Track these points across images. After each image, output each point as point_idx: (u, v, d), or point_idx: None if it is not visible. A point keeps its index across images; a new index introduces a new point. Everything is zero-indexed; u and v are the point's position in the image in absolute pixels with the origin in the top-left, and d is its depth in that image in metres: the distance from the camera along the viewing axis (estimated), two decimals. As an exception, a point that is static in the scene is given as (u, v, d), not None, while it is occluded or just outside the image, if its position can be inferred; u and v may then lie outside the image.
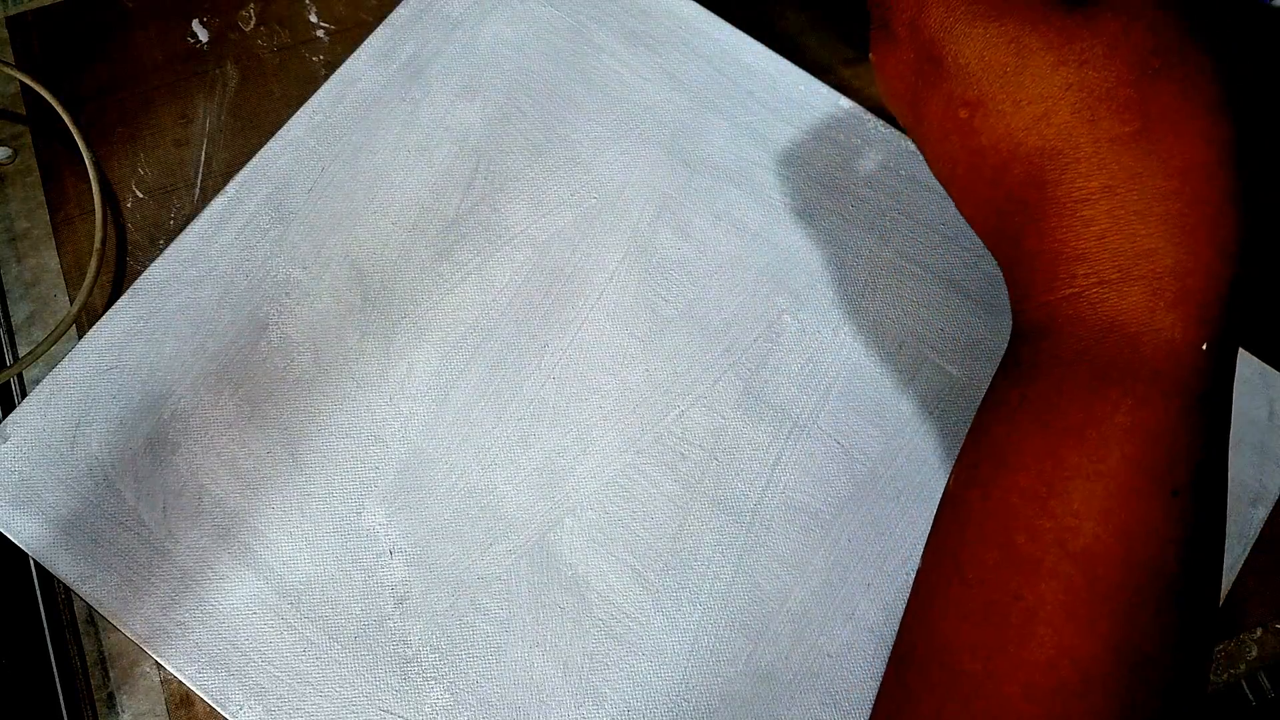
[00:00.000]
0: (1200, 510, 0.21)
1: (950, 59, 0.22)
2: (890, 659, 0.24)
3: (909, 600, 0.24)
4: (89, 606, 0.34)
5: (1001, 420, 0.22)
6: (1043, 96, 0.21)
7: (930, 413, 0.36)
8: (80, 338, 0.37)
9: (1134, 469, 0.20)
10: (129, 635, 0.33)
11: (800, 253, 0.38)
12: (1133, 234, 0.20)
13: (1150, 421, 0.20)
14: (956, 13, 0.22)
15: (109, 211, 0.40)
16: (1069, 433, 0.21)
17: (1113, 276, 0.21)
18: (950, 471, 0.24)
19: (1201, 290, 0.20)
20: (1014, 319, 0.23)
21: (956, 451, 0.36)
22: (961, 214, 0.24)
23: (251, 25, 0.44)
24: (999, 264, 0.24)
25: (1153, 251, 0.20)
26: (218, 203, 0.39)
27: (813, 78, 0.41)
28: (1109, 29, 0.21)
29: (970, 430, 0.24)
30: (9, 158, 0.41)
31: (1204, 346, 0.20)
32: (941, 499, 0.24)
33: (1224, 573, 0.35)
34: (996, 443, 0.22)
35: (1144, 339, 0.20)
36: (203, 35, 0.43)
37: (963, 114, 0.22)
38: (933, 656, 0.22)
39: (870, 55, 0.24)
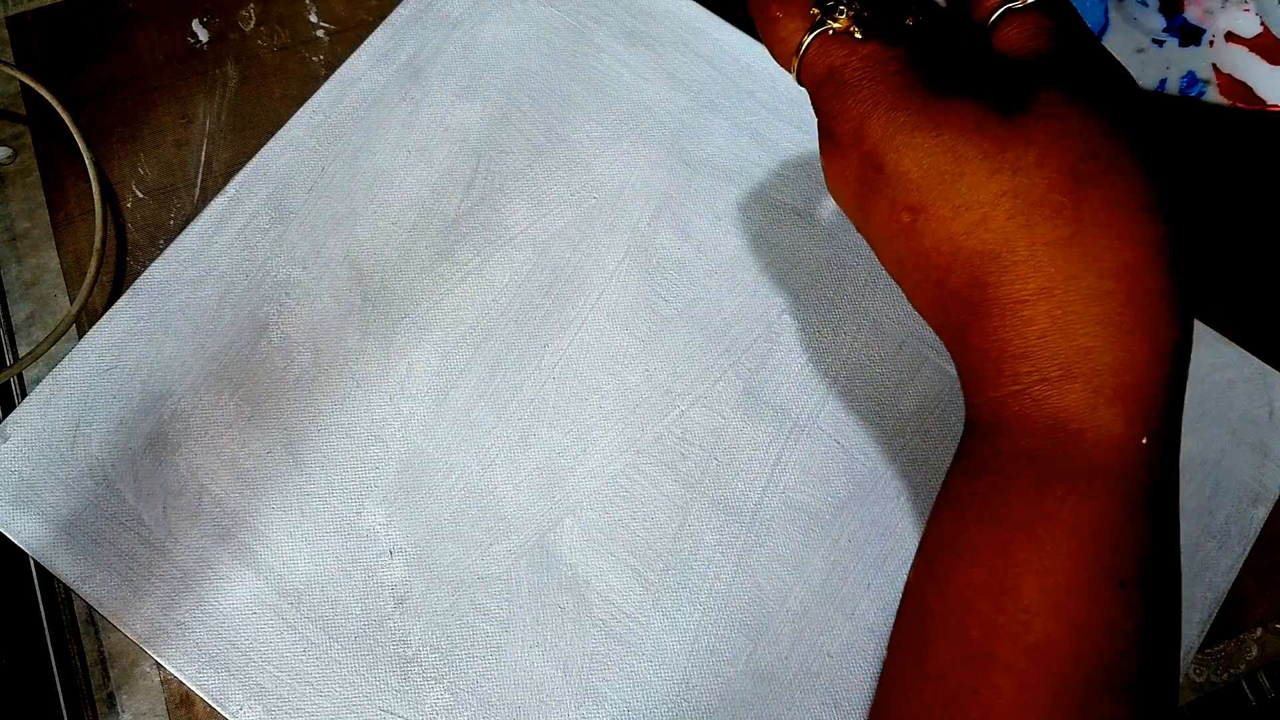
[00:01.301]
0: (1150, 603, 0.21)
1: (891, 167, 0.22)
2: None
3: (877, 689, 0.25)
4: (89, 606, 0.34)
5: (955, 516, 0.23)
6: (980, 203, 0.21)
7: (930, 413, 0.36)
8: (80, 338, 0.37)
9: (1082, 564, 0.21)
10: (129, 635, 0.33)
11: (800, 253, 0.38)
12: (1071, 333, 0.21)
13: (1096, 517, 0.21)
14: (897, 123, 0.22)
15: (109, 211, 0.40)
16: (1018, 528, 0.21)
17: (1054, 374, 0.21)
18: (914, 555, 0.25)
19: (1139, 386, 0.21)
20: (966, 413, 0.24)
21: (956, 452, 0.36)
22: (914, 307, 0.25)
23: (251, 25, 0.44)
24: (952, 358, 0.24)
25: (1091, 350, 0.21)
26: (218, 203, 0.39)
27: (813, 78, 0.41)
28: (1040, 138, 0.21)
29: (927, 523, 0.24)
30: (9, 158, 0.41)
31: (1144, 440, 0.21)
32: (903, 592, 0.25)
33: (1224, 573, 0.35)
34: (950, 537, 0.23)
35: (1086, 435, 0.21)
36: (203, 35, 0.43)
37: (905, 218, 0.23)
38: None
39: (821, 158, 0.25)
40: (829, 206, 0.39)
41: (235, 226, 0.38)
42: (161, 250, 0.38)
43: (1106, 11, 0.26)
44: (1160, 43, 0.27)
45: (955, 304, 0.23)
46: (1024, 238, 0.21)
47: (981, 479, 0.23)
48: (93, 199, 0.39)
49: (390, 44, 0.41)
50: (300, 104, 0.40)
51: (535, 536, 0.35)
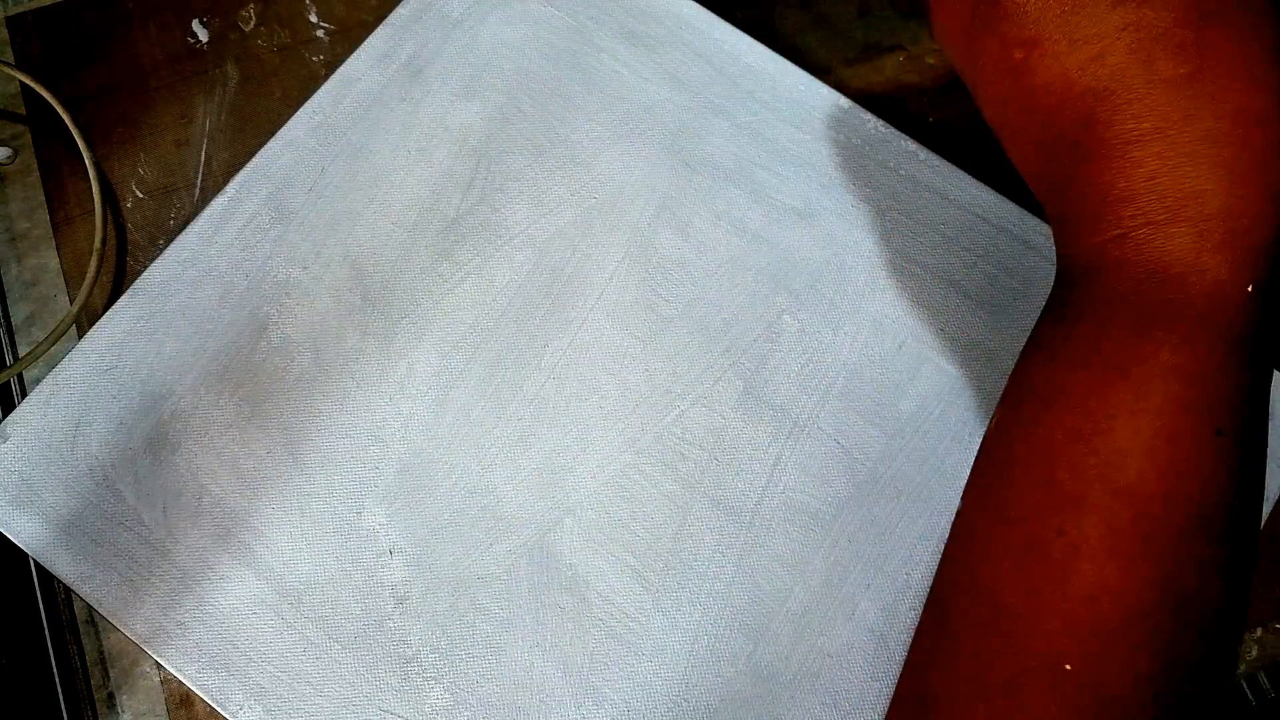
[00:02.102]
0: (1243, 451, 0.21)
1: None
2: (928, 601, 0.24)
3: (947, 545, 0.24)
4: (89, 606, 0.34)
5: (1045, 361, 0.23)
6: (1099, 35, 0.21)
7: (930, 413, 0.36)
8: (80, 338, 0.37)
9: (1179, 408, 0.20)
10: (129, 635, 0.33)
11: (800, 253, 0.38)
12: (1182, 176, 0.20)
13: (1195, 361, 0.20)
14: None
15: (109, 211, 0.40)
16: (1113, 371, 0.21)
17: (1160, 218, 0.21)
18: (990, 418, 0.25)
19: (1248, 233, 0.20)
20: (1059, 263, 0.24)
21: (957, 451, 0.36)
22: (1010, 157, 0.24)
23: (251, 25, 0.44)
24: (1046, 208, 0.24)
25: (1201, 194, 0.20)
26: (218, 203, 0.39)
27: (813, 78, 0.41)
28: None
29: (1012, 374, 0.24)
30: (9, 158, 0.41)
31: (1249, 289, 0.20)
32: (982, 442, 0.24)
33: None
34: (1040, 383, 0.23)
35: (1190, 280, 0.21)
36: (203, 35, 0.43)
37: (1018, 54, 0.22)
38: (973, 594, 0.22)
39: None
40: (829, 206, 0.39)
41: (235, 226, 0.38)
42: (161, 250, 0.38)
43: None
44: None
45: (1060, 146, 0.22)
46: (1142, 74, 0.21)
47: (1077, 325, 0.22)
48: (93, 199, 0.39)
49: (390, 44, 0.41)
50: (300, 104, 0.40)
51: (535, 536, 0.35)
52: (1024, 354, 0.24)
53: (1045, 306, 0.24)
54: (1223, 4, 0.21)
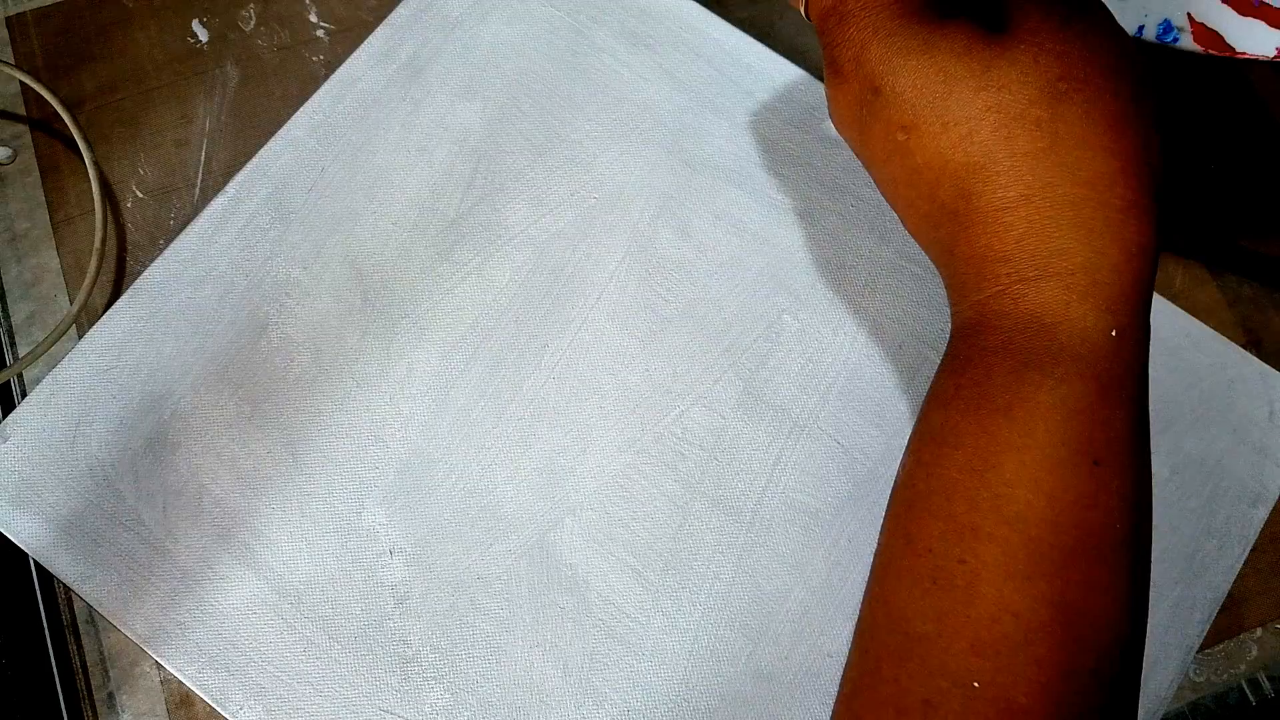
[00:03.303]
0: (1122, 477, 0.23)
1: (888, 88, 0.25)
2: (854, 634, 0.26)
3: (869, 580, 0.26)
4: (89, 606, 0.34)
5: (941, 407, 0.25)
6: (967, 118, 0.24)
7: (930, 413, 0.36)
8: (80, 338, 0.37)
9: (1058, 441, 0.23)
10: (129, 635, 0.33)
11: (800, 253, 0.38)
12: (1047, 236, 0.23)
13: (1070, 399, 0.23)
14: (894, 47, 0.24)
15: (109, 211, 0.40)
16: (999, 412, 0.23)
17: (1031, 274, 0.23)
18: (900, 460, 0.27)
19: (1109, 284, 0.23)
20: (952, 322, 0.26)
21: (942, 359, 0.36)
22: (906, 229, 0.27)
23: (251, 25, 0.44)
24: (940, 272, 0.27)
25: (1065, 251, 0.23)
26: (218, 203, 0.39)
27: (812, 78, 0.41)
28: (1022, 59, 0.23)
29: (915, 423, 0.26)
30: (9, 158, 0.41)
31: (1113, 333, 0.23)
32: (894, 486, 0.27)
33: (1224, 573, 0.35)
34: (938, 427, 0.25)
35: (1060, 328, 0.23)
36: (203, 35, 0.43)
37: (900, 137, 0.25)
38: (890, 625, 0.24)
39: (825, 90, 0.28)
40: (829, 206, 0.39)
41: (235, 226, 0.38)
42: (161, 250, 0.38)
43: None
44: None
45: (944, 217, 0.25)
46: (1005, 149, 0.23)
47: (965, 373, 0.25)
48: (93, 199, 0.39)
49: (390, 44, 0.41)
50: (300, 104, 0.40)
51: (535, 536, 0.35)
52: (925, 404, 0.26)
53: (941, 362, 0.26)
54: (1071, 85, 0.23)
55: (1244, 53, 0.28)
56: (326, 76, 0.41)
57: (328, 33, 0.44)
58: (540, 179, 0.39)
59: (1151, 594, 0.34)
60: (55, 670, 0.35)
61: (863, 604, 0.26)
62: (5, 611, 0.36)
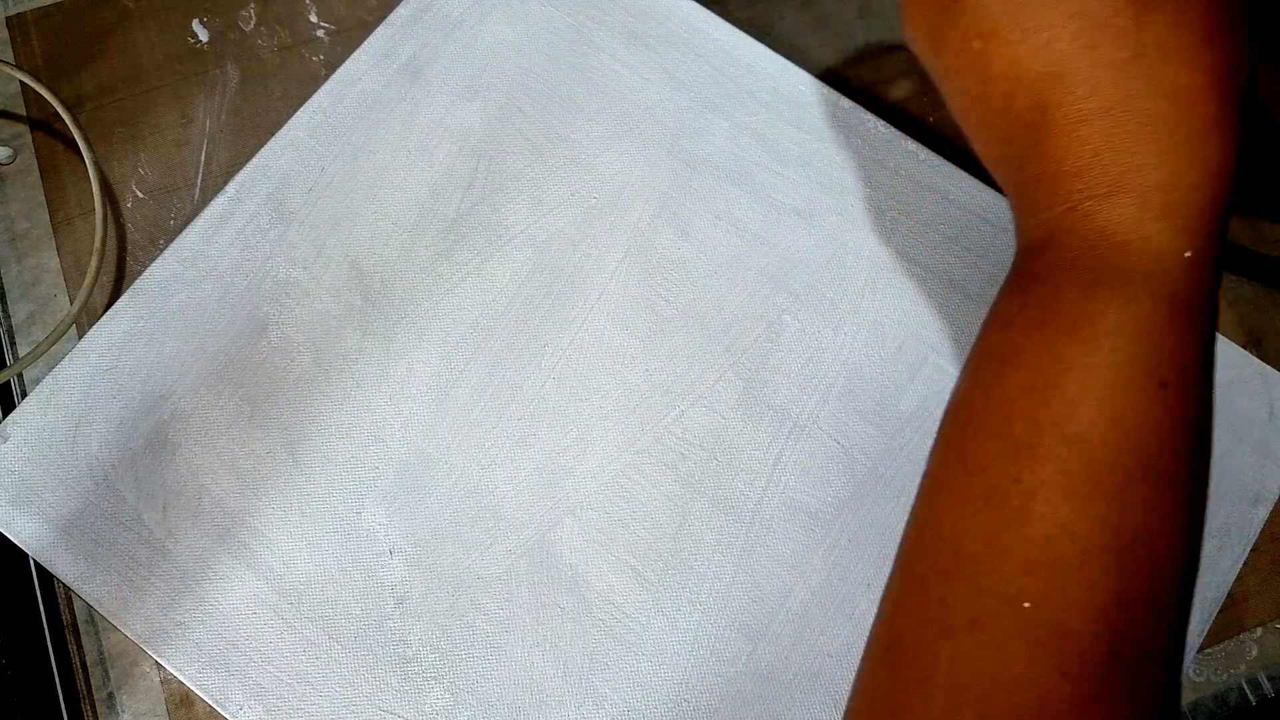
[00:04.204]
0: (1188, 402, 0.22)
1: None
2: (897, 556, 0.26)
3: (915, 502, 0.26)
4: (89, 606, 0.34)
5: (1003, 328, 0.25)
6: (1047, 25, 0.23)
7: (930, 413, 0.36)
8: (80, 338, 0.37)
9: (1125, 362, 0.22)
10: (129, 635, 0.33)
11: (800, 253, 0.38)
12: (1125, 151, 0.22)
13: (1139, 319, 0.22)
14: None
15: (109, 211, 0.40)
16: (1064, 331, 0.23)
17: (1105, 190, 0.23)
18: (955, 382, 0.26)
19: (1185, 203, 0.22)
20: (1017, 242, 0.25)
21: (1005, 280, 0.36)
22: (974, 148, 0.26)
23: (251, 25, 0.44)
24: (1007, 193, 0.26)
25: (1142, 168, 0.22)
26: (218, 203, 0.39)
27: (813, 78, 0.41)
28: None
29: (974, 346, 0.26)
30: (9, 158, 0.41)
31: (1187, 254, 0.22)
32: (946, 408, 0.26)
33: (1224, 573, 0.35)
34: (997, 346, 0.24)
35: (1132, 246, 0.22)
36: (203, 35, 0.43)
37: (976, 45, 0.24)
38: (939, 544, 0.24)
39: (899, 3, 0.27)
40: (829, 206, 0.39)
41: (235, 226, 0.38)
42: (161, 250, 0.38)
43: None
44: None
45: (1017, 130, 0.24)
46: (1086, 58, 0.23)
47: (1031, 291, 0.24)
48: (93, 199, 0.39)
49: (390, 44, 0.41)
50: (300, 104, 0.40)
51: (535, 536, 0.35)
52: (984, 326, 0.26)
53: (1004, 282, 0.26)
54: None
55: None
56: (326, 76, 0.41)
57: (328, 33, 0.44)
58: (540, 179, 0.39)
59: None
60: (55, 670, 0.35)
61: (907, 527, 0.26)
62: (5, 611, 0.36)
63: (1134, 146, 0.22)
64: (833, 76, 0.44)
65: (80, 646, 0.35)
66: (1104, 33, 0.22)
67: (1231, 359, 0.38)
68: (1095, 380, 0.22)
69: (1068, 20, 0.23)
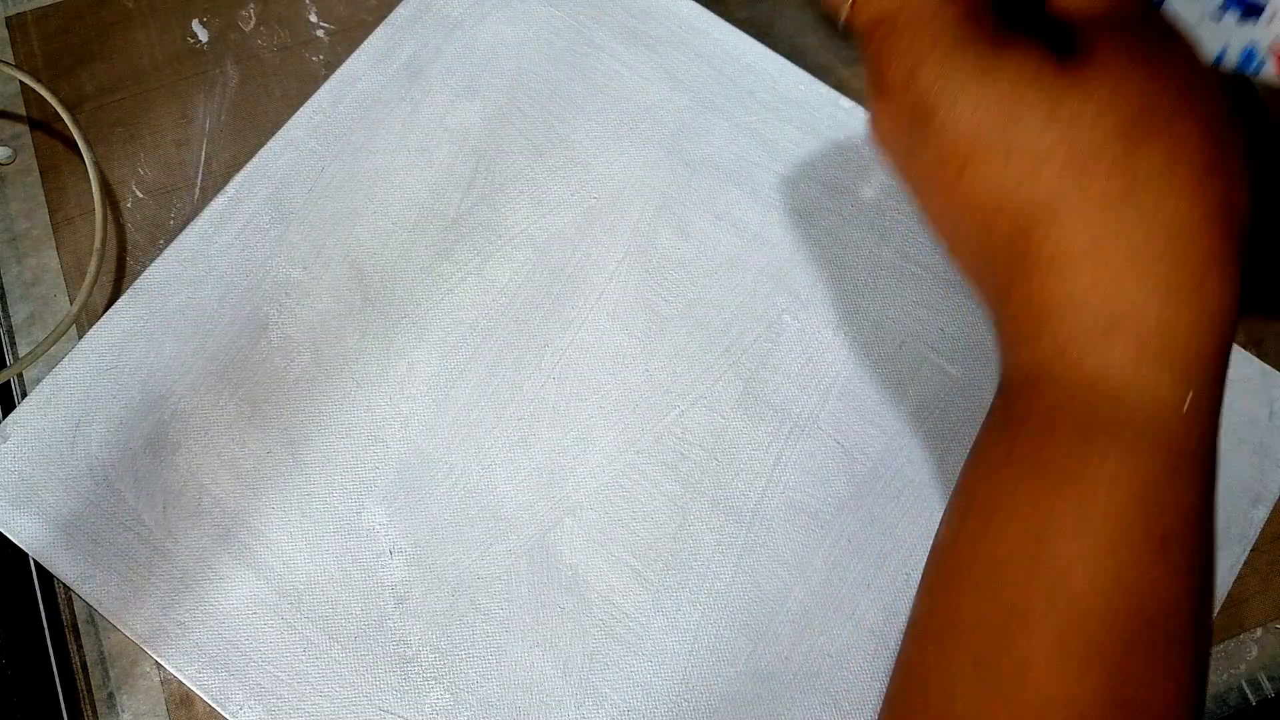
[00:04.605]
0: (1190, 556, 0.21)
1: (944, 114, 0.22)
2: (883, 702, 0.24)
3: (901, 651, 0.24)
4: (89, 606, 0.34)
5: (990, 473, 0.23)
6: (1033, 153, 0.21)
7: (930, 413, 0.36)
8: (80, 338, 0.37)
9: (1122, 520, 0.21)
10: (129, 635, 0.33)
11: (800, 253, 0.38)
12: (1118, 289, 0.21)
13: (1137, 472, 0.21)
14: (951, 69, 0.22)
15: (109, 211, 0.40)
16: (1056, 484, 0.21)
17: (1098, 331, 0.21)
18: (939, 521, 0.25)
19: (1185, 346, 0.21)
20: (1001, 371, 0.24)
21: (957, 451, 0.36)
22: (952, 265, 0.25)
23: (251, 25, 0.44)
24: (988, 315, 0.24)
25: (1138, 307, 0.21)
26: (218, 203, 0.39)
27: (813, 78, 0.41)
28: (1098, 90, 0.21)
29: (957, 483, 0.24)
30: (9, 158, 0.41)
31: (1187, 401, 0.21)
32: (930, 553, 0.24)
33: (1224, 573, 0.35)
34: (984, 495, 0.23)
35: (1129, 394, 0.21)
36: (203, 35, 0.43)
37: (954, 166, 0.22)
38: (926, 699, 0.23)
39: (866, 107, 0.25)
40: (829, 206, 0.39)
41: (235, 226, 0.38)
42: (161, 250, 0.38)
43: None
44: (1219, 17, 0.25)
45: (999, 257, 0.22)
46: (1076, 191, 0.21)
47: (1020, 437, 0.22)
48: (93, 199, 0.39)
49: (390, 44, 0.41)
50: (300, 104, 0.40)
51: (535, 536, 0.35)
52: (968, 466, 0.24)
53: (988, 417, 0.24)
54: (1154, 122, 0.21)
55: None
56: (326, 76, 0.41)
57: (328, 33, 0.44)
58: (540, 179, 0.39)
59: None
60: (55, 670, 0.35)
61: (895, 672, 0.24)
62: (5, 611, 0.36)
63: (1128, 284, 0.21)
64: (833, 76, 0.44)
65: (80, 646, 0.35)
66: (1096, 162, 0.21)
67: (1232, 359, 0.37)
68: (1091, 539, 0.21)
69: (1055, 148, 0.21)
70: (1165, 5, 0.25)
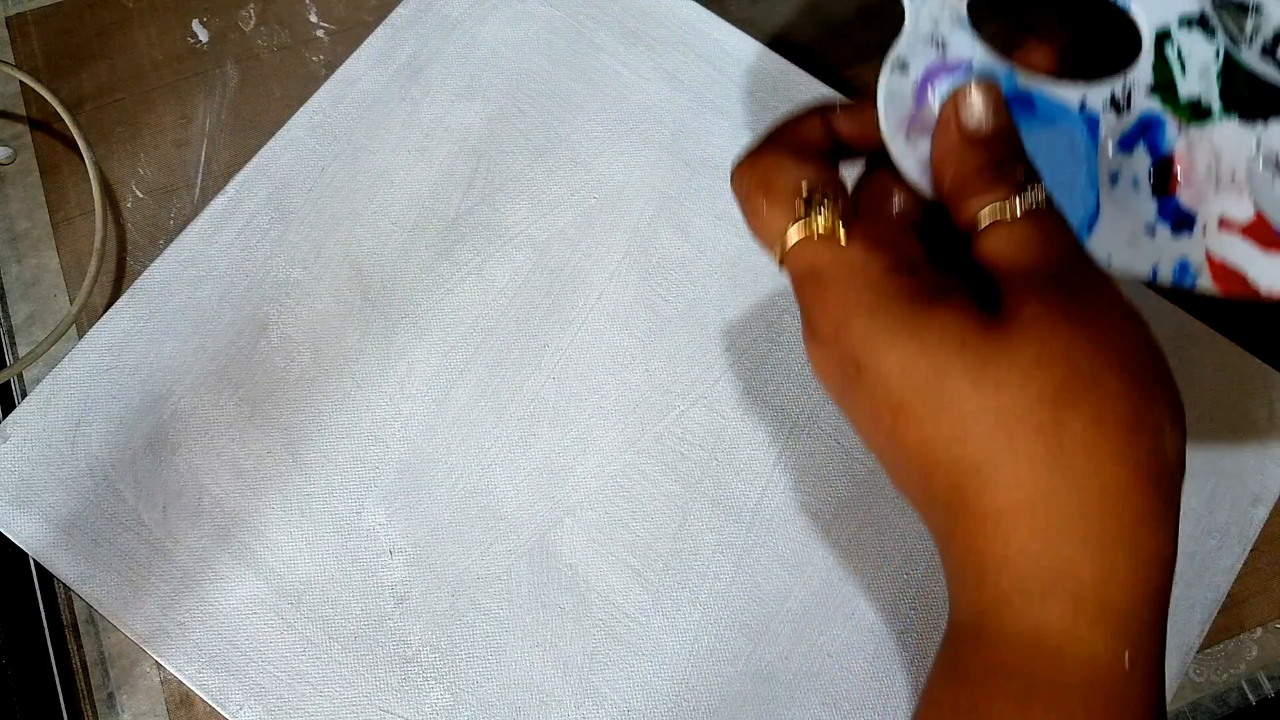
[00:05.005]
0: None
1: (872, 369, 0.22)
2: None
3: None
4: (89, 606, 0.34)
5: (940, 718, 0.23)
6: (962, 415, 0.21)
7: (930, 413, 0.36)
8: (80, 338, 0.37)
9: None
10: (129, 635, 0.33)
11: (800, 253, 0.38)
12: (1053, 548, 0.21)
13: None
14: (878, 328, 0.22)
15: (109, 211, 0.40)
16: None
17: (1035, 588, 0.21)
18: None
19: (1120, 604, 0.21)
20: (950, 608, 0.24)
21: (940, 650, 0.36)
22: (899, 494, 0.25)
23: (251, 25, 0.44)
24: (936, 546, 0.24)
25: (1072, 564, 0.21)
26: (218, 203, 0.39)
27: (813, 78, 0.41)
28: (1023, 356, 0.21)
29: (912, 716, 0.24)
30: (9, 158, 0.41)
31: (1125, 661, 0.21)
32: None
33: (1224, 573, 0.35)
34: None
35: (1067, 655, 0.21)
36: (203, 35, 0.43)
37: (887, 418, 0.23)
38: None
39: (804, 342, 0.25)
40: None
41: (235, 226, 0.38)
42: (161, 250, 0.38)
43: (1097, 198, 0.25)
44: (1152, 231, 0.26)
45: (939, 502, 0.23)
46: (1006, 452, 0.21)
47: (964, 688, 0.23)
48: (93, 199, 0.39)
49: (390, 44, 0.41)
50: (300, 104, 0.40)
51: (535, 536, 0.35)
52: (920, 703, 0.24)
53: (939, 655, 0.24)
54: (1077, 387, 0.21)
55: (1269, 294, 0.25)
56: (326, 76, 0.41)
57: (328, 33, 0.44)
58: (540, 179, 0.39)
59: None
60: (55, 670, 0.35)
61: None
62: (5, 611, 0.36)
63: (1062, 542, 0.21)
64: (833, 77, 0.44)
65: (80, 646, 0.35)
66: (1021, 428, 0.21)
67: (1231, 359, 0.38)
68: None
69: (983, 411, 0.21)
70: (1097, 224, 0.25)
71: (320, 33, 0.44)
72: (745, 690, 0.33)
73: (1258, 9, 0.27)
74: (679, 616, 0.34)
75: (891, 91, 0.25)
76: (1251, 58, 0.27)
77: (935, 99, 0.25)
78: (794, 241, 0.24)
